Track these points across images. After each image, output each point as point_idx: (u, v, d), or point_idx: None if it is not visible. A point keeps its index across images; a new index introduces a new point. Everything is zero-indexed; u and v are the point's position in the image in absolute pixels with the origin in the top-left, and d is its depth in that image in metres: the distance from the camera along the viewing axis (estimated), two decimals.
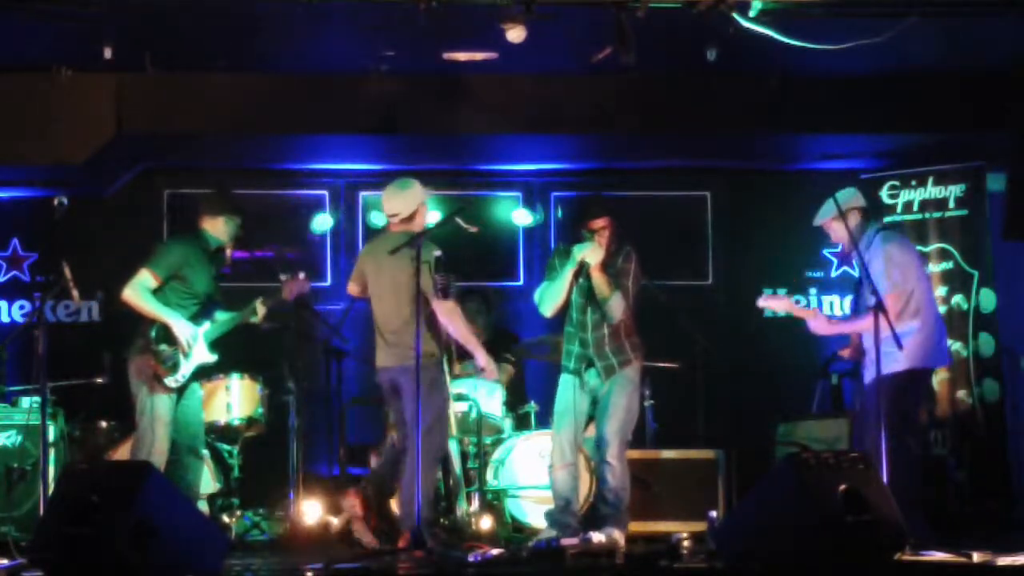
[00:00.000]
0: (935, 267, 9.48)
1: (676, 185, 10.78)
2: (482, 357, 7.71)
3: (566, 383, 7.70)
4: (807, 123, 9.63)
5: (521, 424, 9.05)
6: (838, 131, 9.64)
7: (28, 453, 8.58)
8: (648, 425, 8.94)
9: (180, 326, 7.69)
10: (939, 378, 9.34)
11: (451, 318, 7.50)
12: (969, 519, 8.88)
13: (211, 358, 7.83)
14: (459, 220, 7.80)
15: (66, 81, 9.00)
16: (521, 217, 10.51)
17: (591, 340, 7.64)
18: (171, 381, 7.68)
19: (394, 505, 7.87)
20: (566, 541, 7.25)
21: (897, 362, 7.33)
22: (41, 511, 7.16)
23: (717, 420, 9.24)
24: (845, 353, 7.85)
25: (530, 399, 9.22)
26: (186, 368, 7.72)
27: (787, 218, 10.32)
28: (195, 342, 7.73)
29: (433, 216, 8.04)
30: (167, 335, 7.68)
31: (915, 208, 9.73)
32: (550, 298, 7.70)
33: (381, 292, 7.63)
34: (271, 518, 8.96)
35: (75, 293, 7.64)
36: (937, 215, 9.67)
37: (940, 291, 9.41)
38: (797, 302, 8.27)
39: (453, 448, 8.40)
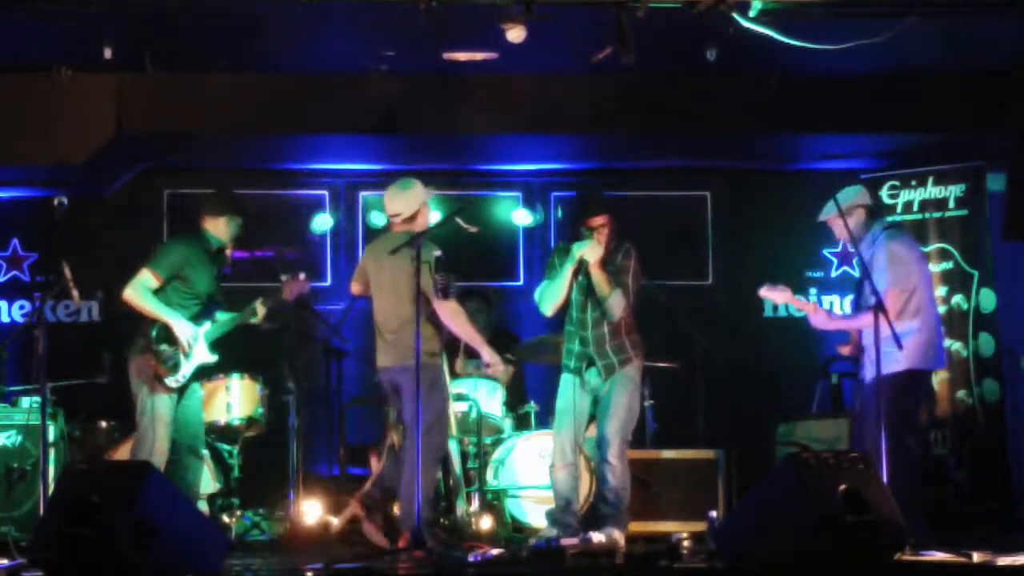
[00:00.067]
0: (935, 267, 9.47)
1: (676, 185, 10.78)
2: (487, 353, 7.72)
3: (567, 383, 7.70)
4: (807, 123, 9.63)
5: (521, 424, 9.04)
6: (838, 131, 9.64)
7: (28, 453, 8.58)
8: (648, 425, 8.94)
9: (181, 326, 7.69)
10: (939, 378, 9.34)
11: (454, 318, 7.51)
12: (969, 519, 8.87)
13: (212, 358, 7.83)
14: (459, 220, 7.80)
15: (66, 81, 9.00)
16: (521, 217, 10.50)
17: (591, 338, 7.64)
18: (172, 381, 7.68)
19: (395, 506, 7.87)
20: (566, 541, 7.25)
21: (897, 362, 7.33)
22: (41, 511, 7.16)
23: (717, 420, 9.24)
24: (845, 350, 7.85)
25: (530, 399, 9.21)
26: (187, 368, 7.72)
27: (787, 218, 10.34)
28: (196, 342, 7.73)
29: (434, 216, 8.04)
30: (168, 335, 7.68)
31: (915, 208, 9.73)
32: (550, 297, 7.70)
33: (381, 292, 7.64)
34: (271, 518, 8.96)
35: (75, 293, 7.63)
36: (937, 215, 9.67)
37: (940, 291, 9.41)
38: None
39: (453, 448, 8.40)
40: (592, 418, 7.73)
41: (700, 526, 7.65)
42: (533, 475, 8.63)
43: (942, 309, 9.28)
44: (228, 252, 8.06)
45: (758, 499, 6.60)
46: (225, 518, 8.61)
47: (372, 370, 7.79)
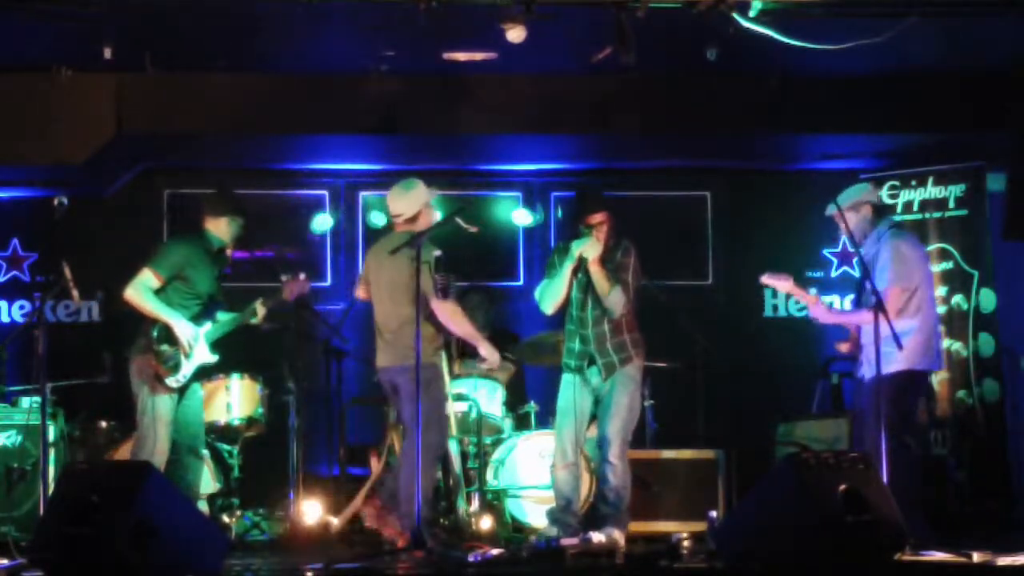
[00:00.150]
0: (935, 267, 9.47)
1: (676, 185, 10.78)
2: (484, 348, 7.73)
3: (567, 382, 7.70)
4: (807, 123, 9.63)
5: (521, 424, 9.04)
6: (838, 131, 9.65)
7: (28, 453, 8.58)
8: (648, 425, 8.94)
9: (181, 326, 7.69)
10: (939, 378, 9.35)
11: (452, 318, 7.51)
12: (969, 519, 8.87)
13: (212, 358, 7.83)
14: (459, 220, 7.80)
15: (66, 81, 9.00)
16: (521, 217, 10.50)
17: (592, 336, 7.63)
18: (172, 381, 7.68)
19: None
20: (566, 541, 7.24)
21: (896, 362, 7.32)
22: (41, 511, 7.16)
23: (717, 420, 9.24)
24: (843, 347, 7.85)
25: (530, 399, 9.21)
26: (187, 368, 7.72)
27: (787, 218, 10.34)
28: (196, 343, 7.73)
29: (435, 216, 8.04)
30: (169, 335, 7.68)
31: (915, 208, 9.73)
32: (550, 295, 7.70)
33: (380, 292, 7.65)
34: (271, 518, 8.96)
35: (75, 293, 7.63)
36: (937, 215, 9.67)
37: (940, 291, 9.40)
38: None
39: (453, 448, 8.40)
40: (593, 417, 7.73)
41: (700, 526, 7.65)
42: (533, 475, 8.63)
43: (942, 309, 9.28)
44: (228, 252, 8.06)
45: (758, 499, 6.60)
46: (225, 518, 8.61)
47: (372, 370, 7.79)
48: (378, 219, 9.83)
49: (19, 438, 8.64)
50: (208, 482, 8.54)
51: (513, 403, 9.13)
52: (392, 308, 7.55)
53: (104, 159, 9.51)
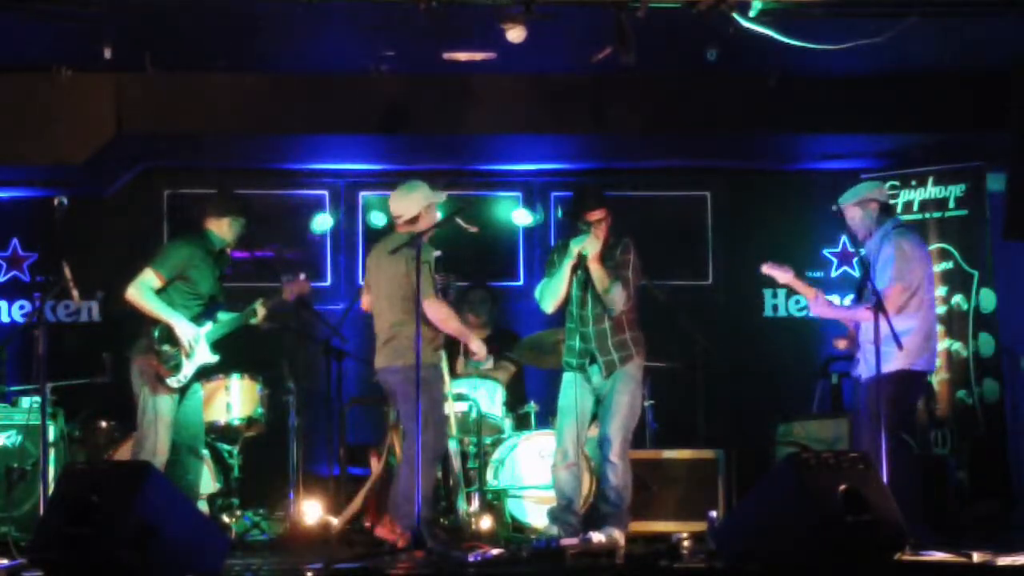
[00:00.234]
0: (935, 267, 9.47)
1: (676, 185, 10.78)
2: (474, 343, 7.76)
3: (569, 381, 7.69)
4: (807, 123, 9.63)
5: (521, 424, 9.04)
6: (838, 131, 9.64)
7: (28, 453, 8.57)
8: (648, 425, 8.94)
9: (182, 327, 7.69)
10: (939, 378, 9.35)
11: (438, 315, 7.48)
12: (969, 519, 8.87)
13: (213, 359, 7.84)
14: (459, 220, 7.81)
15: (66, 81, 9.00)
16: (521, 217, 10.50)
17: (592, 334, 7.63)
18: (173, 382, 7.68)
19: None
20: (566, 541, 7.24)
21: (895, 361, 7.32)
22: (41, 511, 7.15)
23: (717, 420, 9.23)
24: (841, 344, 7.85)
25: (530, 399, 9.20)
26: (188, 369, 7.73)
27: (787, 218, 10.34)
28: (197, 343, 7.74)
29: (435, 219, 8.04)
30: (170, 336, 7.68)
31: (915, 208, 9.73)
32: (550, 294, 7.69)
33: (378, 293, 7.66)
34: (271, 518, 8.96)
35: (75, 293, 7.63)
36: (937, 215, 9.67)
37: (940, 291, 9.40)
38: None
39: (453, 448, 8.40)
40: (594, 417, 7.73)
41: (700, 526, 7.65)
42: (533, 475, 8.62)
43: (942, 309, 9.28)
44: (228, 252, 8.06)
45: (758, 499, 6.60)
46: (225, 518, 8.60)
47: (372, 370, 7.79)
48: (378, 219, 9.82)
49: (19, 438, 8.64)
50: (208, 482, 8.54)
51: (513, 403, 9.12)
52: (388, 308, 7.56)
53: (104, 159, 9.51)
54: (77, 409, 8.97)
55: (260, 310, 7.90)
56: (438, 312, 7.47)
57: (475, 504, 8.51)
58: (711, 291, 10.68)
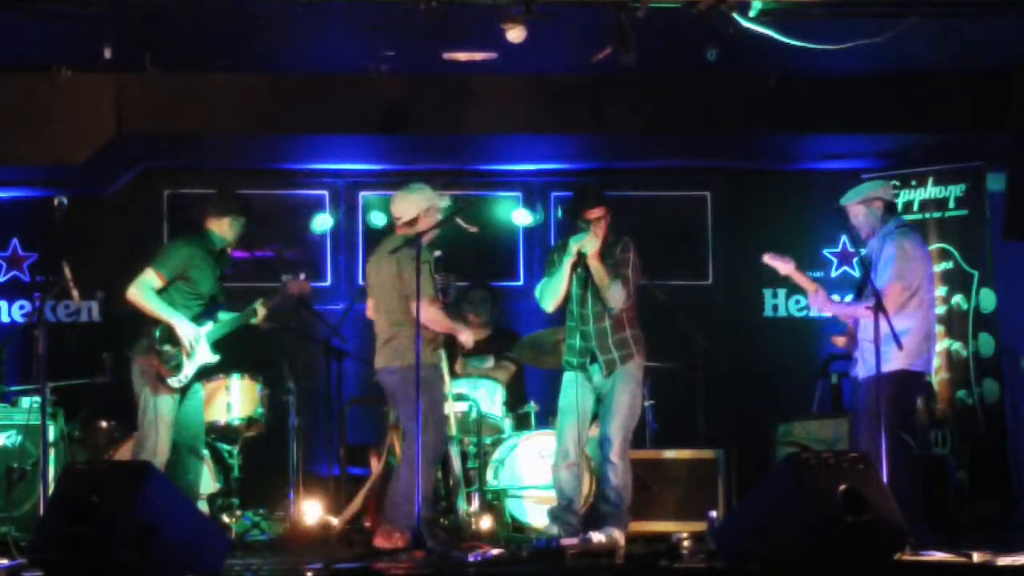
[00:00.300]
0: (935, 267, 9.48)
1: (676, 185, 10.78)
2: (464, 334, 7.76)
3: (569, 380, 7.69)
4: (807, 123, 9.63)
5: (521, 424, 9.04)
6: (838, 131, 9.64)
7: (28, 453, 8.57)
8: (648, 425, 8.94)
9: (183, 327, 7.70)
10: (939, 378, 9.35)
11: (428, 318, 7.47)
12: (969, 519, 8.87)
13: (214, 359, 7.84)
14: (459, 220, 7.81)
15: (66, 81, 9.00)
16: (521, 217, 10.50)
17: (592, 333, 7.63)
18: (174, 382, 7.69)
19: None
20: (566, 541, 7.24)
21: (894, 361, 7.32)
22: (41, 511, 7.15)
23: (717, 420, 9.23)
24: (839, 341, 7.85)
25: (530, 399, 9.20)
26: (189, 369, 7.73)
27: (787, 218, 10.34)
28: (198, 343, 7.74)
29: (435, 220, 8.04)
30: (171, 336, 7.68)
31: (915, 208, 9.73)
32: (550, 293, 7.70)
33: (377, 294, 7.67)
34: (271, 518, 8.96)
35: (75, 293, 7.63)
36: (937, 215, 9.67)
37: (940, 291, 9.40)
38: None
39: (453, 448, 8.40)
40: (595, 416, 7.73)
41: (700, 526, 7.65)
42: (533, 475, 8.62)
43: (941, 309, 9.28)
44: (229, 252, 8.06)
45: (758, 499, 6.60)
46: (225, 518, 8.60)
47: (372, 370, 7.79)
48: (378, 219, 9.82)
49: (19, 438, 8.64)
50: (208, 482, 8.54)
51: (513, 403, 9.13)
52: (386, 309, 7.57)
53: (104, 159, 9.51)
54: (77, 409, 8.97)
55: (260, 310, 7.90)
56: (425, 313, 7.46)
57: (475, 504, 8.51)
58: (711, 291, 10.68)
